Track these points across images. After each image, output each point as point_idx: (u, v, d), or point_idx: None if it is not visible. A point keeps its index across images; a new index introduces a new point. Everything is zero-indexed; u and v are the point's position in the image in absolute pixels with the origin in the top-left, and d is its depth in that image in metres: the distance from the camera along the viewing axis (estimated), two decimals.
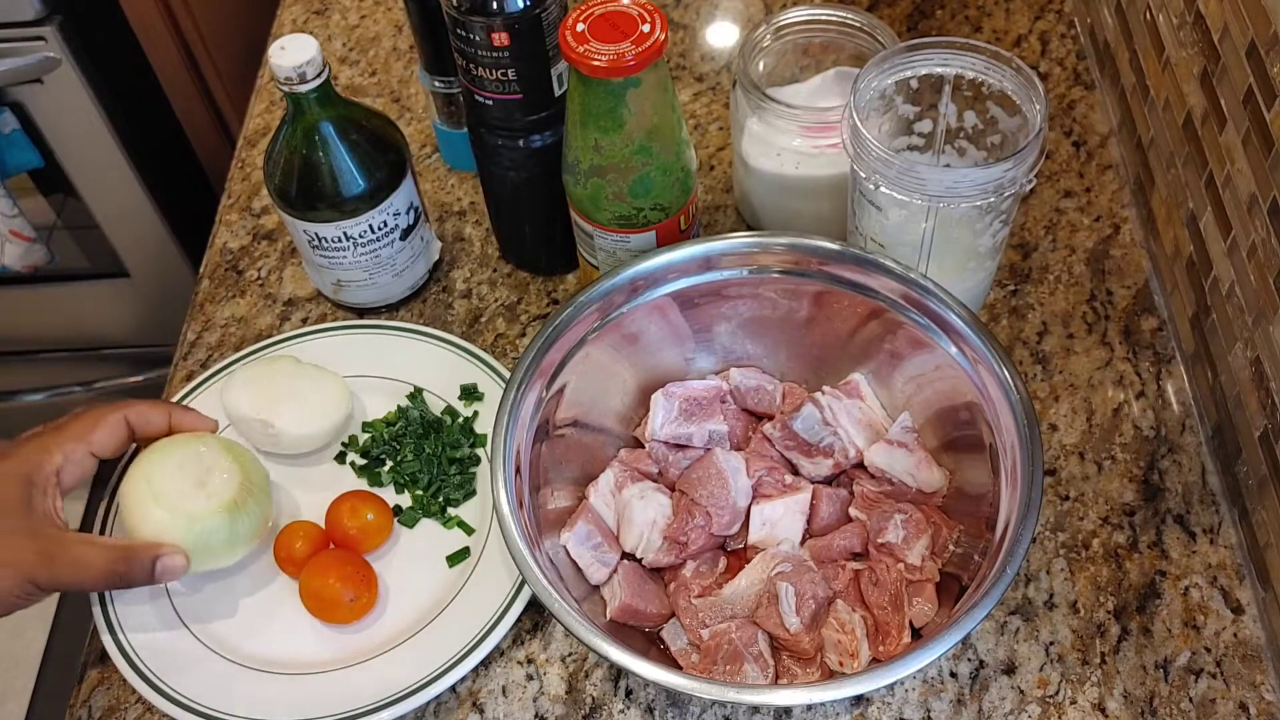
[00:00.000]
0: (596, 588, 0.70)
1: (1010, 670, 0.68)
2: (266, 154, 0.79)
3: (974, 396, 0.68)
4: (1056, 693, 0.67)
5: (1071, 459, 0.76)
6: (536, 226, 0.85)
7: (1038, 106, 0.69)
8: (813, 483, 0.73)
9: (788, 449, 0.73)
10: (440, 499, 0.76)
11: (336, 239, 0.79)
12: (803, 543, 0.71)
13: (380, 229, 0.80)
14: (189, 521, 0.68)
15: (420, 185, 0.94)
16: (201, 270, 0.92)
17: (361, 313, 0.87)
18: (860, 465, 0.73)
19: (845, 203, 0.76)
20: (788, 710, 0.68)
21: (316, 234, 0.79)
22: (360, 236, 0.79)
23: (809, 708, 0.68)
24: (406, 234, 0.82)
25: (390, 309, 0.87)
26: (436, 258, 0.87)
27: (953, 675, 0.68)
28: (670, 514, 0.71)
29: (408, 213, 0.81)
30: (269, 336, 0.86)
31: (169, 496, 0.69)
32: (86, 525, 0.76)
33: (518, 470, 0.66)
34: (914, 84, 0.74)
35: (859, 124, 0.68)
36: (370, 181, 0.78)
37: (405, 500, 0.77)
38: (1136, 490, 0.75)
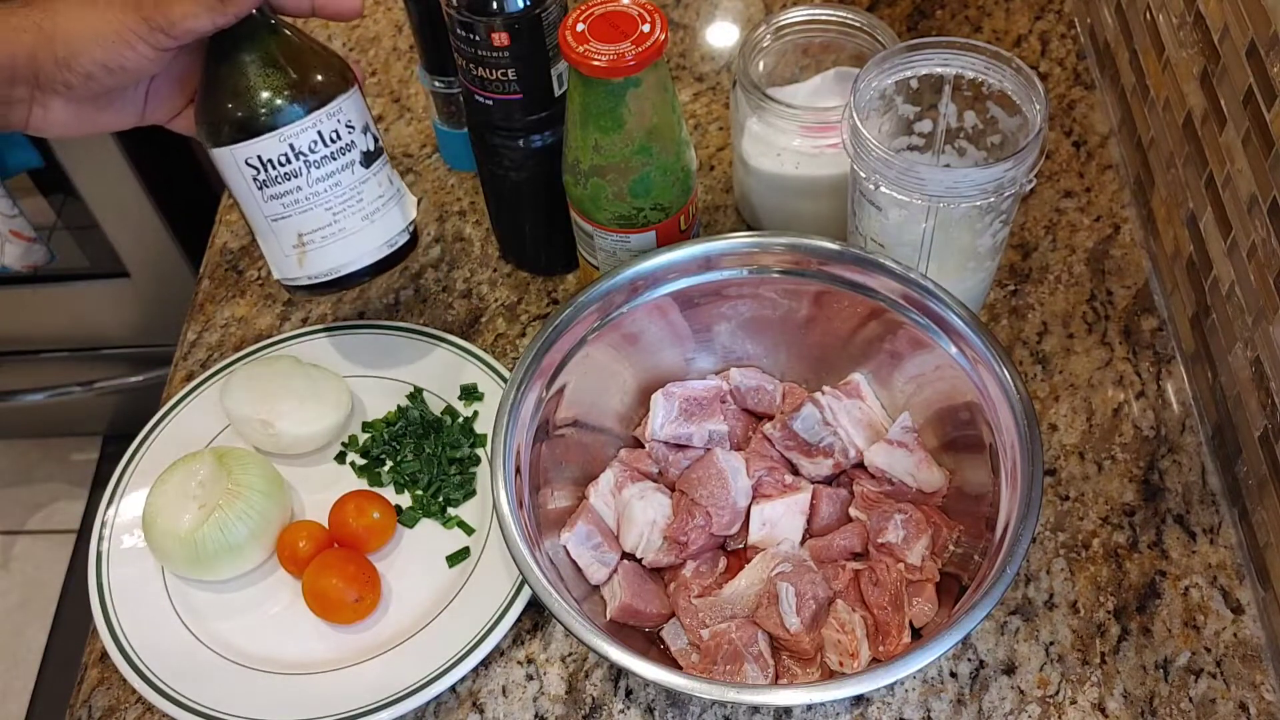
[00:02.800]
0: (596, 588, 0.70)
1: (1010, 670, 0.68)
2: (195, 104, 0.69)
3: (974, 396, 0.68)
4: (1056, 693, 0.67)
5: (1071, 459, 0.76)
6: (536, 226, 0.85)
7: (1038, 106, 0.69)
8: (813, 483, 0.73)
9: (788, 449, 0.73)
10: (440, 499, 0.76)
11: (283, 158, 0.67)
12: (803, 543, 0.71)
13: (333, 140, 0.68)
14: (180, 536, 0.70)
15: (420, 185, 0.95)
16: (201, 270, 0.92)
17: (362, 312, 0.87)
18: (860, 465, 0.73)
19: (845, 203, 0.76)
20: (788, 710, 0.68)
21: (259, 158, 0.67)
22: (311, 149, 0.68)
23: (809, 708, 0.68)
24: (369, 161, 0.71)
25: (385, 311, 0.87)
26: (414, 215, 0.74)
27: (953, 675, 0.68)
28: (670, 514, 0.71)
29: (365, 133, 0.70)
30: (269, 336, 0.86)
31: (163, 516, 0.71)
32: (86, 525, 0.76)
33: (518, 470, 0.66)
34: (914, 84, 0.74)
35: (859, 124, 0.68)
36: (308, 74, 0.68)
37: (405, 500, 0.77)
38: (1136, 490, 0.75)
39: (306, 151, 0.68)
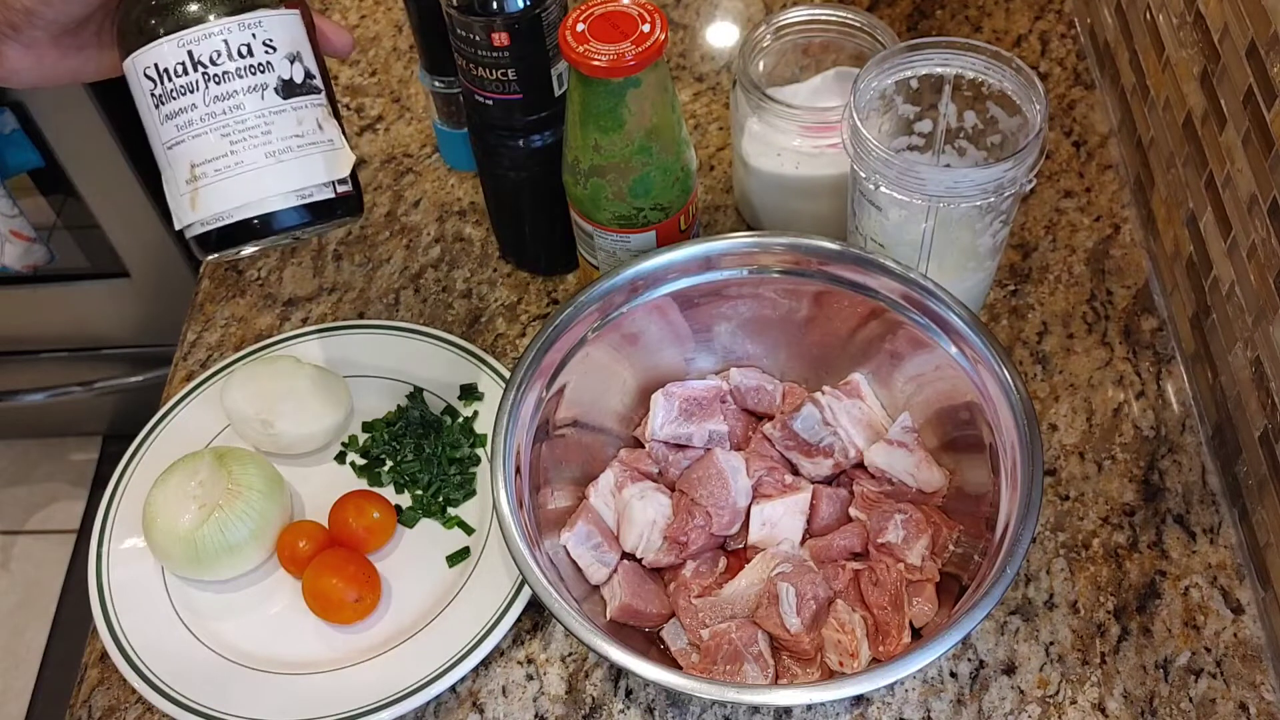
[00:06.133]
0: (596, 588, 0.70)
1: (1010, 670, 0.68)
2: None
3: (974, 396, 0.68)
4: (1056, 693, 0.67)
5: (1071, 459, 0.76)
6: (536, 226, 0.85)
7: (1038, 106, 0.69)
8: (813, 483, 0.73)
9: (788, 449, 0.73)
10: (440, 499, 0.76)
11: (180, 67, 0.59)
12: (803, 543, 0.71)
13: (242, 54, 0.59)
14: (180, 535, 0.70)
15: (420, 185, 0.95)
16: (201, 270, 0.92)
17: (362, 312, 0.87)
18: (860, 465, 0.73)
19: (845, 203, 0.76)
20: (788, 710, 0.68)
21: (156, 67, 0.59)
22: (213, 61, 0.59)
23: (809, 708, 0.68)
24: (290, 92, 0.61)
25: (386, 311, 0.87)
26: (344, 174, 0.62)
27: (953, 675, 0.68)
28: (670, 514, 0.71)
29: (292, 62, 0.61)
30: (269, 336, 0.86)
31: (163, 516, 0.71)
32: (86, 525, 0.76)
33: (518, 470, 0.66)
34: (914, 84, 0.74)
35: (859, 124, 0.68)
36: None
37: (405, 500, 0.77)
38: (1136, 490, 0.75)
39: (207, 62, 0.59)
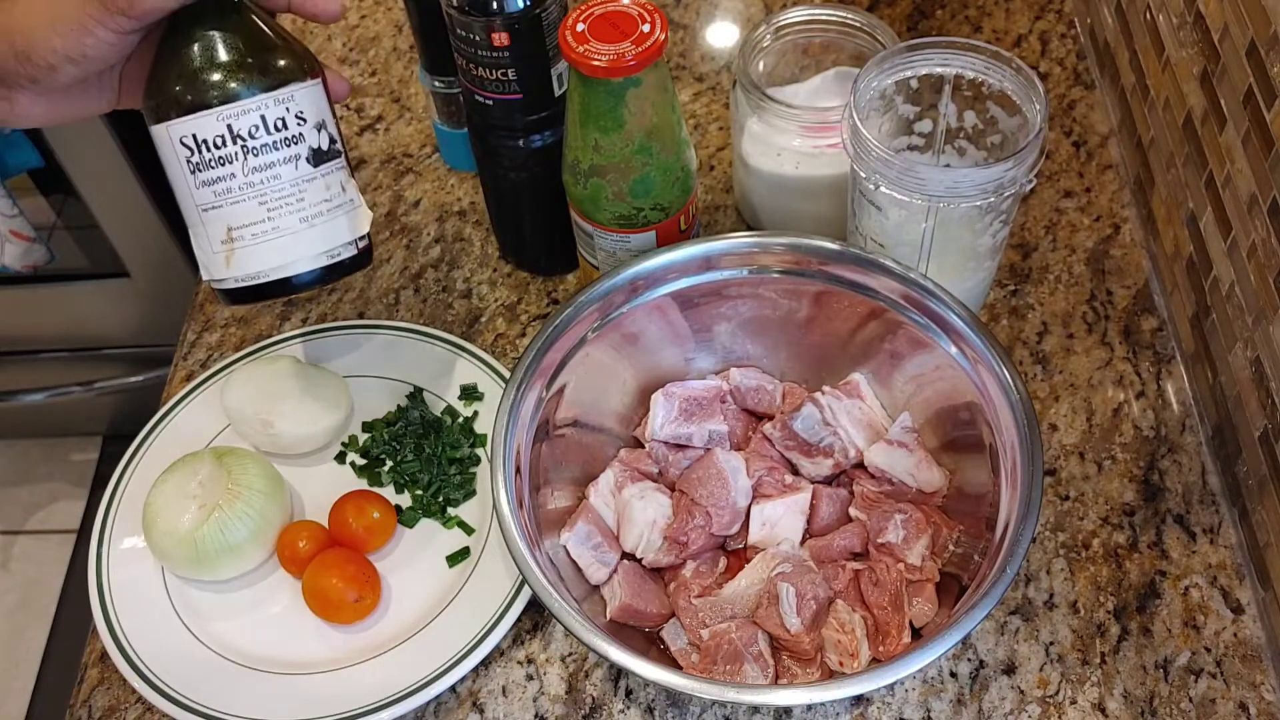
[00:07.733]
0: (596, 588, 0.70)
1: (1010, 670, 0.68)
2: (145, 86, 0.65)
3: (974, 396, 0.68)
4: (1056, 693, 0.67)
5: (1071, 459, 0.76)
6: (536, 226, 0.85)
7: (1038, 106, 0.69)
8: (813, 483, 0.73)
9: (788, 449, 0.73)
10: (440, 499, 0.76)
11: (219, 140, 0.62)
12: (803, 543, 0.71)
13: (278, 128, 0.63)
14: (180, 535, 0.70)
15: (420, 185, 0.95)
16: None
17: (362, 312, 0.87)
18: (860, 465, 0.73)
19: (845, 203, 0.76)
20: (788, 710, 0.68)
21: (194, 137, 0.62)
22: (251, 135, 0.62)
23: (809, 708, 0.68)
24: (319, 160, 0.65)
25: (386, 311, 0.87)
26: (365, 231, 0.67)
27: (953, 675, 0.68)
28: (670, 514, 0.71)
29: (319, 130, 0.65)
30: (269, 336, 0.86)
31: (164, 516, 0.71)
32: (87, 525, 0.76)
33: (518, 470, 0.66)
34: (914, 84, 0.74)
35: (859, 124, 0.68)
36: (260, 56, 0.63)
37: (405, 500, 0.77)
38: (1136, 490, 0.75)
39: (246, 136, 0.63)
